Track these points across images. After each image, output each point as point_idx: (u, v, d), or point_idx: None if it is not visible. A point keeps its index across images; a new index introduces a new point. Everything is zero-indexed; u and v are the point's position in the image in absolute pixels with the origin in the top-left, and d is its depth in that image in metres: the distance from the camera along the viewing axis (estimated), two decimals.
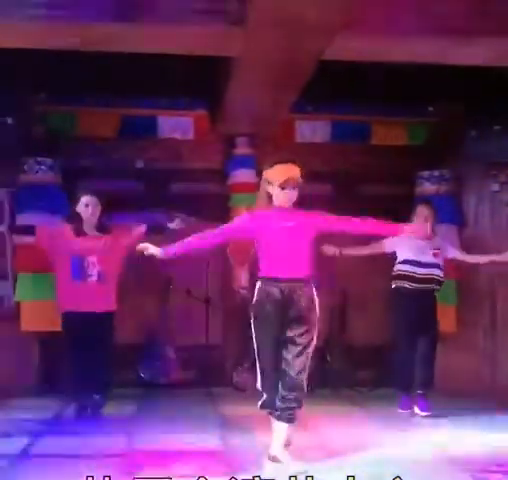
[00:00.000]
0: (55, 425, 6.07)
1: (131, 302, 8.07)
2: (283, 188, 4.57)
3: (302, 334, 4.55)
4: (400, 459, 4.86)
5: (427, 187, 8.11)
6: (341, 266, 7.43)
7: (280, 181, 4.55)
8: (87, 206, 6.50)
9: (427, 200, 7.17)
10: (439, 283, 6.78)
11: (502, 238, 7.45)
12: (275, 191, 4.61)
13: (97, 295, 6.43)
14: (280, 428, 4.59)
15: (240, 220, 4.88)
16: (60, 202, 7.82)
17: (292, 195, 4.61)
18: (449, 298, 7.61)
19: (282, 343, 4.57)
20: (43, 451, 5.06)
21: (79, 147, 8.30)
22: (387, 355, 8.44)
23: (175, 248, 4.75)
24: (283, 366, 4.57)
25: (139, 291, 8.34)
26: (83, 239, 6.49)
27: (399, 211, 8.22)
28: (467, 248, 7.72)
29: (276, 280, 4.60)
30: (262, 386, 4.68)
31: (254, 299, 4.65)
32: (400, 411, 6.65)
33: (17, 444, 5.22)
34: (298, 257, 4.62)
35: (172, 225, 6.76)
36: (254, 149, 8.38)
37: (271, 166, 4.62)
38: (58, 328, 7.62)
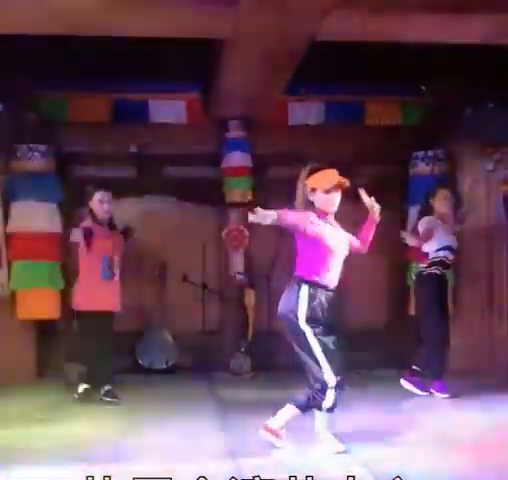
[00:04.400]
0: (53, 412, 6.06)
1: (128, 289, 8.04)
2: (328, 193, 4.60)
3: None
4: (400, 440, 4.86)
5: (421, 167, 8.09)
6: None
7: (326, 187, 4.58)
8: (102, 203, 6.47)
9: (445, 183, 7.18)
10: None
11: (496, 216, 7.43)
12: (320, 197, 4.61)
13: (116, 293, 6.51)
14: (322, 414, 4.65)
15: (309, 215, 4.62)
16: (54, 189, 7.80)
17: (337, 199, 4.65)
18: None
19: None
20: (42, 438, 5.04)
21: (72, 133, 8.26)
22: (387, 336, 8.49)
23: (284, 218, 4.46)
24: None
25: (135, 277, 8.32)
26: (106, 236, 6.46)
27: (393, 191, 8.26)
28: (462, 228, 7.72)
29: (325, 288, 4.62)
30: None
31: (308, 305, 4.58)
32: (442, 396, 6.54)
33: (16, 432, 5.21)
34: (340, 266, 4.71)
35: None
36: (247, 132, 8.35)
37: (313, 170, 4.64)
38: (54, 316, 7.64)
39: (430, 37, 6.33)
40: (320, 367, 4.52)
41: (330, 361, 4.51)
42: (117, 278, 6.53)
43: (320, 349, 4.52)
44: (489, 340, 7.61)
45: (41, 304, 7.65)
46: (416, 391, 6.65)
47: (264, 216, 4.30)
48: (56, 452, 4.60)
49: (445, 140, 8.06)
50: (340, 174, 4.67)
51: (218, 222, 8.66)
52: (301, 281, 4.59)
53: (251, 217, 4.32)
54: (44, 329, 7.88)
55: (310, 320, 4.53)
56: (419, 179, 8.04)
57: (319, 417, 4.63)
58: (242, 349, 8.13)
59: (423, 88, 8.25)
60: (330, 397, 4.52)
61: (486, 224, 7.66)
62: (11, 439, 5.01)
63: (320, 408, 4.57)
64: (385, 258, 8.68)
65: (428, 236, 6.67)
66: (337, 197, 4.65)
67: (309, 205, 4.63)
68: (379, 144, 8.33)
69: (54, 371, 7.60)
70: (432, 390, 6.60)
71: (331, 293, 4.64)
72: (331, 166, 4.68)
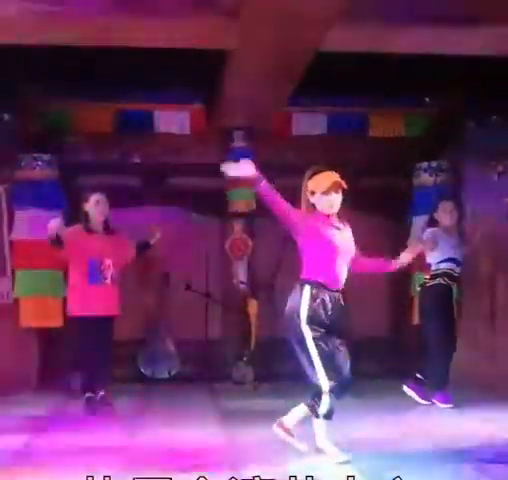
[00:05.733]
0: (55, 421, 6.06)
1: (130, 297, 8.05)
2: (326, 194, 4.63)
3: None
4: (401, 451, 4.85)
5: (425, 178, 8.10)
6: None
7: (323, 189, 4.62)
8: (97, 204, 6.49)
9: (449, 195, 7.20)
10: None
11: (501, 228, 7.42)
12: (319, 199, 4.66)
13: (111, 298, 6.47)
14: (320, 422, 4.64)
15: (303, 213, 4.70)
16: (58, 198, 7.82)
17: (336, 200, 4.67)
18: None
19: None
20: (43, 447, 5.03)
21: (76, 143, 8.28)
22: (389, 345, 8.50)
23: (267, 186, 4.57)
24: None
25: (138, 286, 8.34)
26: (97, 240, 6.45)
27: (396, 202, 8.28)
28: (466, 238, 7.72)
29: (328, 289, 4.64)
30: None
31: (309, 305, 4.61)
32: (443, 406, 6.53)
33: (17, 440, 5.21)
34: (345, 266, 4.71)
35: (153, 240, 6.82)
36: (251, 142, 8.36)
37: (310, 177, 4.68)
38: (57, 324, 7.65)
39: (432, 49, 6.34)
40: (315, 371, 4.54)
41: (328, 366, 4.53)
42: (109, 282, 6.44)
43: (317, 353, 4.54)
44: (492, 351, 7.59)
45: (44, 312, 7.66)
46: (418, 399, 6.66)
47: (236, 167, 4.62)
48: (57, 461, 4.61)
49: (448, 151, 8.08)
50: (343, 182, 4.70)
51: (221, 232, 8.68)
52: (304, 282, 4.63)
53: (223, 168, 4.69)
54: (47, 337, 7.88)
55: (312, 321, 4.55)
56: (422, 190, 8.05)
57: (318, 428, 4.61)
58: (244, 358, 8.12)
59: (427, 100, 8.28)
60: (325, 402, 4.53)
61: (490, 235, 7.64)
62: (13, 446, 5.01)
63: (317, 414, 4.57)
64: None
65: (432, 245, 6.67)
66: (336, 198, 4.66)
67: (311, 208, 4.68)
68: (382, 155, 8.35)
69: (57, 379, 7.60)
70: (434, 400, 6.60)
71: (336, 293, 4.66)
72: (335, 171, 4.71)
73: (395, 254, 7.56)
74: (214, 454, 4.78)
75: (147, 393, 7.53)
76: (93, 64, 6.94)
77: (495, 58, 6.48)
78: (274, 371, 7.95)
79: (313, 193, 4.66)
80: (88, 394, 6.39)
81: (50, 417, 6.22)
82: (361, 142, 8.50)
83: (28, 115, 7.80)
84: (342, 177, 4.70)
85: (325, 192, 4.63)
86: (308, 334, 4.56)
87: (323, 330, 4.57)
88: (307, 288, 4.60)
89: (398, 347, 8.39)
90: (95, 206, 6.48)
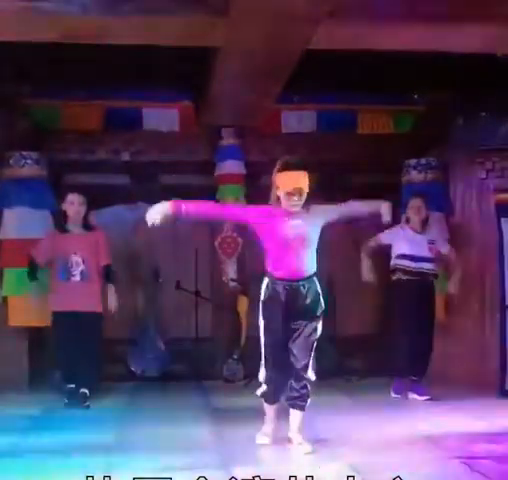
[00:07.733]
0: (46, 420, 6.05)
1: (120, 295, 8.03)
2: (289, 196, 4.75)
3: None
4: (391, 447, 4.86)
5: (414, 175, 8.11)
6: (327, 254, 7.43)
7: (287, 190, 4.74)
8: (72, 204, 6.63)
9: (419, 193, 7.27)
10: (433, 276, 7.00)
11: (489, 225, 7.44)
12: (282, 196, 4.78)
13: (81, 295, 6.53)
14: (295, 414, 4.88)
15: (263, 209, 4.89)
16: (46, 196, 7.79)
17: (297, 203, 4.78)
18: (440, 287, 7.61)
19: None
20: (34, 446, 5.02)
21: (64, 140, 8.27)
22: (377, 343, 8.50)
23: (186, 207, 4.77)
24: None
25: (128, 284, 8.32)
26: (67, 238, 6.61)
27: (386, 200, 8.27)
28: (454, 235, 7.74)
29: (283, 280, 4.80)
30: None
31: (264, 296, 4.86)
32: (393, 396, 6.71)
33: (8, 440, 5.19)
34: (306, 256, 4.81)
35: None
36: (240, 139, 8.36)
37: (281, 168, 4.78)
38: (46, 323, 7.62)
39: (421, 46, 6.35)
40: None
41: (268, 359, 4.81)
42: (78, 279, 6.56)
43: (263, 342, 4.82)
44: (480, 346, 7.62)
45: (33, 311, 7.62)
46: (422, 398, 6.73)
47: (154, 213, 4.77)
48: (47, 460, 4.59)
49: (438, 148, 8.09)
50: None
51: (211, 229, 8.67)
52: (264, 275, 4.87)
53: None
54: (37, 336, 7.86)
55: (268, 309, 4.80)
56: (412, 187, 8.06)
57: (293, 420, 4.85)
58: (235, 356, 8.13)
59: (415, 97, 8.30)
60: (260, 389, 4.92)
61: (478, 232, 7.67)
62: (7, 446, 5.00)
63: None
64: (378, 266, 8.69)
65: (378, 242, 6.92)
66: (297, 201, 4.78)
67: (277, 201, 4.82)
68: (372, 152, 8.36)
69: (49, 378, 7.59)
70: (410, 393, 6.76)
71: (295, 283, 4.77)
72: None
73: (388, 251, 7.59)
74: (205, 452, 4.78)
75: (137, 392, 7.52)
76: (81, 62, 6.92)
77: (483, 55, 6.49)
78: None
79: (278, 188, 4.79)
80: (69, 386, 6.44)
81: (42, 416, 6.21)
82: (350, 139, 8.50)
83: (17, 113, 7.77)
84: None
85: (288, 193, 4.75)
86: (261, 323, 4.83)
87: (278, 321, 4.75)
88: (265, 281, 4.84)
89: (389, 345, 8.39)
90: (70, 205, 6.62)
